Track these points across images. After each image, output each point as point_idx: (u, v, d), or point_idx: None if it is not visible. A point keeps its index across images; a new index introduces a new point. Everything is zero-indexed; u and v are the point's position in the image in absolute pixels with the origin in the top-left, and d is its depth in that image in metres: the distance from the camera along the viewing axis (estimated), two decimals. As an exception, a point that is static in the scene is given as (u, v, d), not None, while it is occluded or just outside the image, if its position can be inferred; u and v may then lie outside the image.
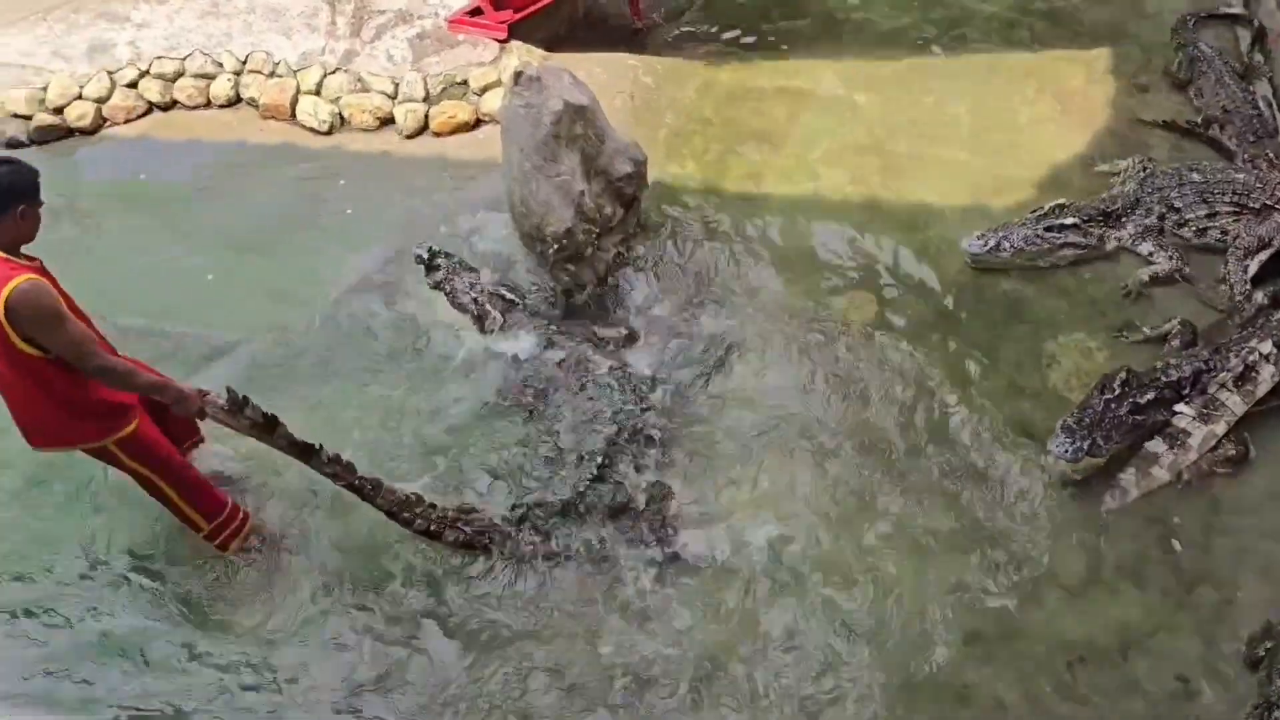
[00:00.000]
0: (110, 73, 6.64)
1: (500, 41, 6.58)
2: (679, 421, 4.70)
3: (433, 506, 4.11)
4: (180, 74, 6.67)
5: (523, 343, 4.98)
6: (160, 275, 5.59)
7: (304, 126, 6.44)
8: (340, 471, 3.94)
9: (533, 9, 6.48)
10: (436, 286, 5.17)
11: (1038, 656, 3.76)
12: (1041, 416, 4.51)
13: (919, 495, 4.30)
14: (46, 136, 6.48)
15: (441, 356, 5.05)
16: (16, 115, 6.50)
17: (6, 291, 3.36)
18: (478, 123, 6.34)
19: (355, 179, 6.11)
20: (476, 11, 6.62)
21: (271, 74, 6.60)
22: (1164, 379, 4.40)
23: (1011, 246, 5.21)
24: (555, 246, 5.06)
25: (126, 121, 6.60)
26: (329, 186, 6.09)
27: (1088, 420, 4.24)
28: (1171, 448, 4.25)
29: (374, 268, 5.51)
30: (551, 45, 6.68)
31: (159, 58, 6.70)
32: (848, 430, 4.59)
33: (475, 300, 5.06)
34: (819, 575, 4.05)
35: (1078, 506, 4.20)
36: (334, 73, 6.54)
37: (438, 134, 6.31)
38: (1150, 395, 4.33)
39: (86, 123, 6.51)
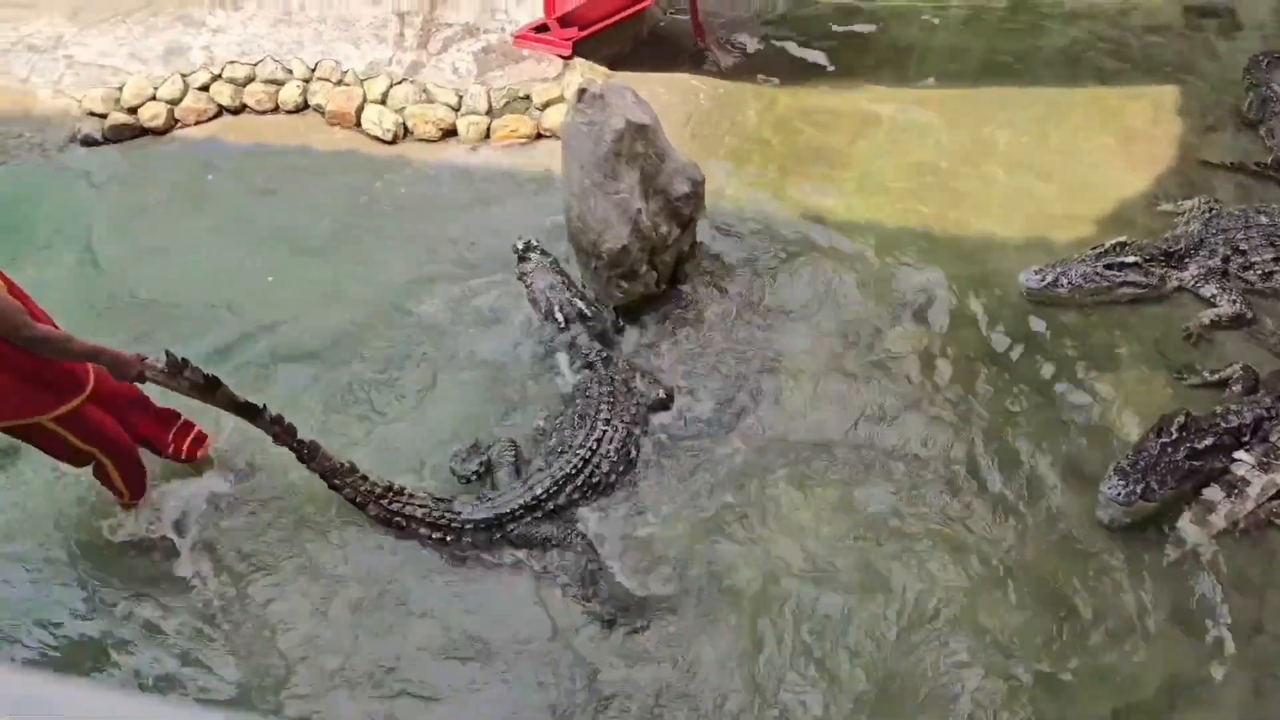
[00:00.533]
0: (184, 75, 6.81)
1: (564, 58, 6.65)
2: (704, 442, 4.69)
3: (364, 478, 4.28)
4: (251, 79, 6.82)
5: (563, 359, 5.06)
6: (223, 273, 5.70)
7: (368, 134, 6.55)
8: (280, 433, 4.17)
9: (598, 27, 6.54)
10: (521, 277, 5.28)
11: (1082, 704, 3.70)
12: (1095, 457, 4.45)
13: (964, 530, 4.25)
14: (121, 135, 6.65)
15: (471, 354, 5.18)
16: (93, 113, 6.68)
17: None
18: (538, 137, 6.41)
19: (416, 188, 6.19)
20: (543, 28, 6.70)
21: (339, 82, 6.72)
22: (1223, 425, 4.33)
23: (1070, 282, 5.15)
24: (610, 262, 5.09)
25: (197, 123, 6.75)
26: (390, 194, 6.18)
27: (1142, 464, 4.17)
28: (1229, 495, 4.17)
29: (428, 275, 5.58)
30: (614, 64, 6.73)
31: (231, 62, 6.86)
32: (890, 461, 4.54)
33: (548, 300, 5.15)
34: (851, 620, 3.97)
35: (1129, 551, 4.13)
36: (400, 83, 6.65)
37: (499, 146, 6.39)
38: (1209, 441, 4.26)
39: (159, 123, 6.68)
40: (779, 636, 3.94)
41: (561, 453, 4.50)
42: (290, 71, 6.81)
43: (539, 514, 4.34)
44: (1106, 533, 4.18)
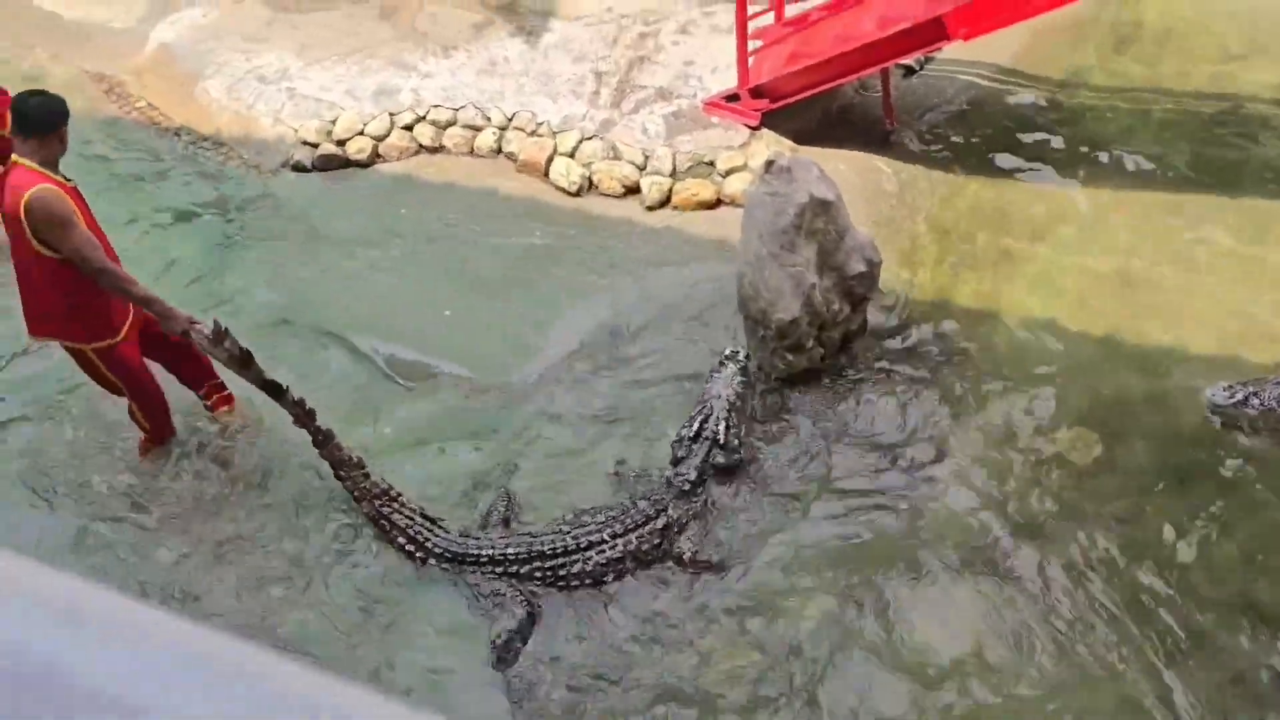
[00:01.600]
0: (392, 115, 7.24)
1: (752, 128, 6.75)
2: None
3: (366, 475, 4.55)
4: (452, 123, 7.19)
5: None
6: (403, 304, 6.00)
7: (554, 185, 6.78)
8: (301, 415, 4.46)
9: (789, 101, 6.61)
10: (710, 373, 4.99)
11: None
12: (1278, 600, 4.14)
13: (1126, 668, 4.00)
14: (328, 165, 7.10)
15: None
16: (306, 143, 7.16)
17: (26, 196, 4.05)
18: (718, 203, 6.50)
19: (595, 240, 6.37)
20: (734, 97, 6.82)
21: (533, 133, 7.01)
22: None
23: (1261, 404, 4.84)
24: (778, 333, 5.09)
25: (398, 159, 7.15)
26: (569, 244, 6.37)
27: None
28: None
29: (595, 330, 5.71)
30: (800, 138, 6.79)
31: (436, 106, 7.25)
32: (1045, 579, 4.34)
33: (708, 408, 4.78)
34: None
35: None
36: (590, 139, 6.88)
37: (678, 209, 6.51)
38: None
39: (364, 156, 7.11)
40: None
41: (562, 528, 4.47)
42: (489, 119, 7.15)
43: (498, 570, 4.41)
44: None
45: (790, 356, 5.20)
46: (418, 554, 4.51)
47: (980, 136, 6.97)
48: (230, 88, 7.60)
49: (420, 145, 7.20)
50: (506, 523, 4.62)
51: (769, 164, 5.04)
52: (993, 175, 6.67)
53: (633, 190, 6.65)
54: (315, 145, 7.15)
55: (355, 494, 4.57)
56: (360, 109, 7.30)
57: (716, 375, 4.90)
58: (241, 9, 8.36)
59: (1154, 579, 4.32)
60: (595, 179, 6.72)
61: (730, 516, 4.64)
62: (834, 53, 6.29)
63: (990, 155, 6.83)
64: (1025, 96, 7.29)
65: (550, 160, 6.85)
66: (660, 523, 4.46)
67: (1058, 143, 6.91)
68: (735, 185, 6.46)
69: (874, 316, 5.60)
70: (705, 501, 4.62)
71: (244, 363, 4.34)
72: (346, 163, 7.13)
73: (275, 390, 4.43)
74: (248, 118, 7.42)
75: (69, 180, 4.28)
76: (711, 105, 6.94)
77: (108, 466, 5.02)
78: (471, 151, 7.12)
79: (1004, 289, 5.85)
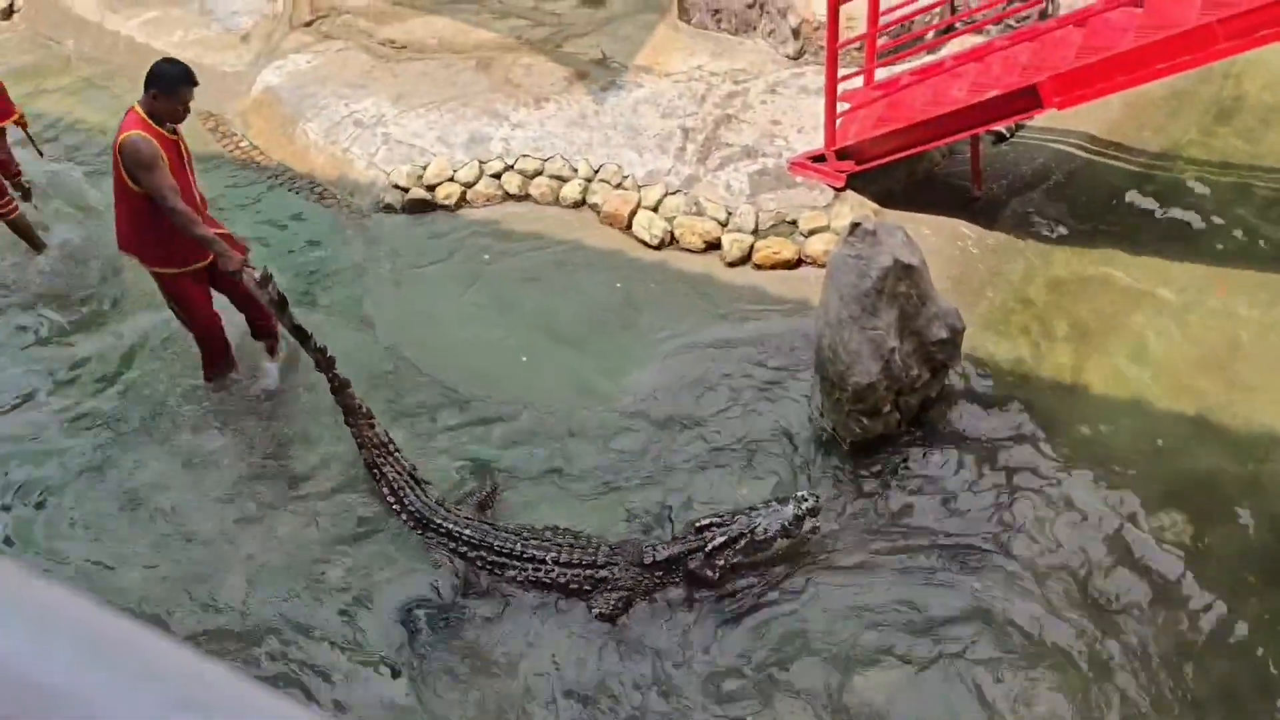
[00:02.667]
0: (481, 162, 7.39)
1: (836, 190, 6.73)
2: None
3: (371, 426, 5.00)
4: (539, 172, 7.31)
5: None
6: (481, 348, 6.08)
7: (636, 238, 6.83)
8: (321, 360, 4.99)
9: (875, 163, 6.59)
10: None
11: None
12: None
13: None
14: (416, 208, 7.27)
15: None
16: (397, 186, 7.34)
17: (122, 138, 4.86)
18: (799, 262, 6.48)
19: (674, 294, 6.38)
20: (820, 158, 6.82)
21: (618, 185, 7.09)
22: None
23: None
24: (854, 396, 5.02)
25: (484, 206, 7.28)
26: (648, 297, 6.40)
27: None
28: None
29: (669, 383, 5.71)
30: (885, 200, 6.75)
31: (524, 155, 7.39)
32: (1127, 669, 4.16)
33: (732, 533, 4.63)
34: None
35: None
36: (674, 193, 6.93)
37: (758, 266, 6.50)
38: None
39: (451, 202, 7.26)
40: None
41: (522, 534, 4.68)
42: (575, 170, 7.25)
43: (449, 545, 4.73)
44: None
45: (866, 421, 5.12)
46: (395, 507, 4.91)
47: (1070, 206, 6.83)
48: (328, 130, 7.85)
49: (507, 193, 7.33)
50: (483, 507, 4.94)
51: (854, 226, 5.01)
52: (1082, 245, 6.52)
53: (714, 246, 6.66)
54: (405, 189, 7.33)
55: (358, 440, 5.04)
56: (451, 156, 7.47)
57: (775, 508, 4.67)
58: (345, 56, 8.66)
59: (1242, 674, 4.11)
60: (677, 233, 6.75)
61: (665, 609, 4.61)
62: (923, 117, 6.26)
63: (1080, 225, 6.68)
64: (1119, 167, 7.14)
65: (633, 213, 6.91)
66: (600, 574, 4.57)
67: (1152, 215, 6.74)
68: (817, 245, 6.44)
69: (954, 385, 5.49)
70: (654, 584, 4.59)
71: (280, 307, 4.95)
72: (434, 207, 7.29)
73: (302, 335, 5.00)
74: (343, 160, 7.65)
75: (173, 134, 5.02)
76: (797, 165, 6.94)
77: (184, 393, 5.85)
78: (556, 201, 7.22)
79: (1090, 362, 5.69)
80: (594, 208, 7.10)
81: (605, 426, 5.47)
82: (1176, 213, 6.69)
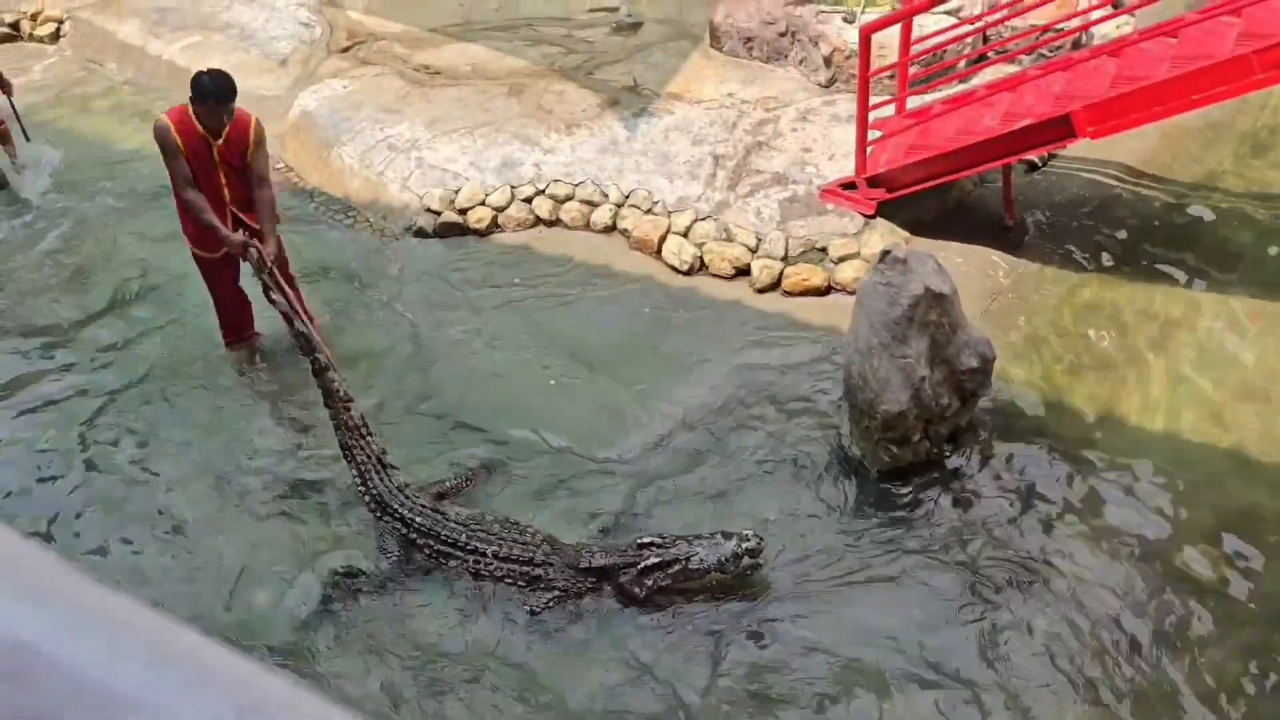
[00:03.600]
0: (513, 187, 7.45)
1: (867, 217, 6.73)
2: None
3: (348, 409, 5.15)
4: (570, 197, 7.36)
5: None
6: (510, 371, 6.11)
7: (665, 263, 6.85)
8: (304, 344, 5.28)
9: (906, 191, 6.58)
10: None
11: None
12: None
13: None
14: (448, 232, 7.33)
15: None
16: (429, 210, 7.41)
17: (154, 122, 5.39)
18: (829, 289, 6.47)
19: (703, 319, 6.39)
20: (850, 185, 6.83)
21: (648, 211, 7.12)
22: None
23: None
24: (883, 424, 5.00)
25: (515, 230, 7.33)
26: (677, 322, 6.41)
27: None
28: None
29: (697, 408, 5.70)
30: (916, 228, 6.74)
31: (556, 180, 7.45)
32: (1161, 707, 4.09)
33: (668, 558, 4.64)
34: None
35: None
36: (704, 219, 6.96)
37: (788, 293, 6.50)
38: None
39: (483, 226, 7.32)
40: None
41: (469, 525, 4.82)
42: (606, 195, 7.30)
43: (399, 529, 4.91)
44: None
45: (895, 449, 5.10)
46: (360, 489, 5.10)
47: (1103, 236, 6.79)
48: (363, 154, 7.95)
49: (538, 218, 7.37)
50: (441, 496, 5.09)
51: (884, 254, 5.01)
52: (1115, 276, 6.47)
53: (743, 272, 6.66)
54: (438, 213, 7.40)
55: (334, 423, 5.20)
56: (483, 180, 7.54)
57: (718, 541, 4.61)
58: (380, 82, 8.79)
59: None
60: (706, 259, 6.77)
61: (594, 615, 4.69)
62: (955, 146, 6.26)
63: (1113, 256, 6.64)
64: (1153, 197, 7.10)
65: (663, 239, 6.94)
66: (536, 572, 4.68)
67: (1186, 247, 6.69)
68: (847, 273, 6.43)
69: (985, 414, 5.46)
70: (586, 589, 4.69)
71: (275, 288, 5.36)
72: (466, 231, 7.35)
73: (288, 319, 5.37)
74: (377, 183, 7.74)
75: (213, 134, 5.35)
76: (828, 192, 6.95)
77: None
78: (587, 226, 7.26)
79: (1123, 394, 5.64)
80: (624, 233, 7.14)
81: (630, 450, 5.46)
82: (1211, 243, 6.64)
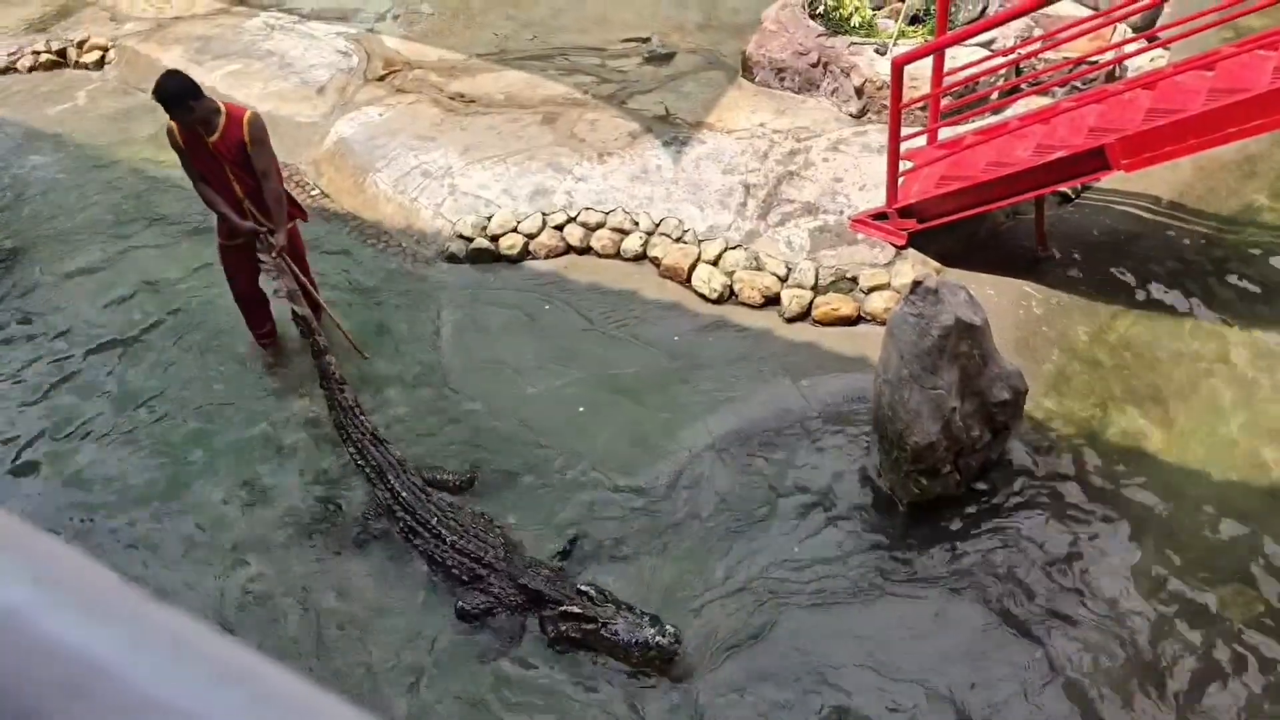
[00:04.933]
0: (544, 214, 7.51)
1: (898, 248, 6.72)
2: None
3: (342, 391, 5.57)
4: (601, 225, 7.40)
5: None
6: (539, 397, 6.13)
7: (695, 291, 6.87)
8: (305, 328, 5.75)
9: (938, 222, 6.57)
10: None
11: None
12: None
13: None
14: (479, 258, 7.39)
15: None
16: (462, 236, 7.49)
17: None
18: (858, 319, 6.45)
19: (733, 349, 6.39)
20: (882, 216, 6.82)
21: (679, 239, 7.15)
22: None
23: None
24: (913, 456, 4.97)
25: (546, 257, 7.38)
26: (705, 350, 6.42)
27: None
28: None
29: (724, 436, 5.70)
30: (947, 259, 6.72)
31: (587, 208, 7.50)
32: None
33: (599, 619, 4.64)
34: None
35: None
36: (734, 248, 6.97)
37: (818, 322, 6.49)
38: None
39: (514, 252, 7.37)
40: None
41: (441, 507, 5.11)
42: (636, 223, 7.34)
43: (390, 500, 5.21)
44: None
45: (924, 481, 5.07)
46: (358, 461, 5.44)
47: (1137, 269, 6.73)
48: (397, 181, 8.05)
49: (569, 245, 7.42)
50: (437, 484, 5.35)
51: (915, 284, 4.99)
52: (1149, 310, 6.41)
53: (773, 301, 6.67)
54: (470, 239, 7.46)
55: (329, 403, 5.61)
56: (515, 207, 7.60)
57: (645, 623, 4.53)
58: (415, 110, 8.91)
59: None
60: (736, 288, 6.78)
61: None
62: (987, 177, 6.24)
63: (1147, 290, 6.57)
64: (1189, 230, 7.03)
65: (693, 267, 6.96)
66: (480, 571, 4.86)
67: (1222, 281, 6.62)
68: (877, 303, 6.42)
69: (1016, 447, 5.41)
70: (518, 604, 4.80)
71: (281, 271, 5.76)
72: (498, 257, 7.41)
73: (294, 299, 5.75)
74: (410, 209, 7.82)
75: (205, 132, 5.56)
76: (859, 222, 6.95)
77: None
78: (617, 254, 7.29)
79: (1156, 429, 5.57)
80: (654, 261, 7.16)
81: (656, 477, 5.47)
82: (1247, 279, 6.56)
